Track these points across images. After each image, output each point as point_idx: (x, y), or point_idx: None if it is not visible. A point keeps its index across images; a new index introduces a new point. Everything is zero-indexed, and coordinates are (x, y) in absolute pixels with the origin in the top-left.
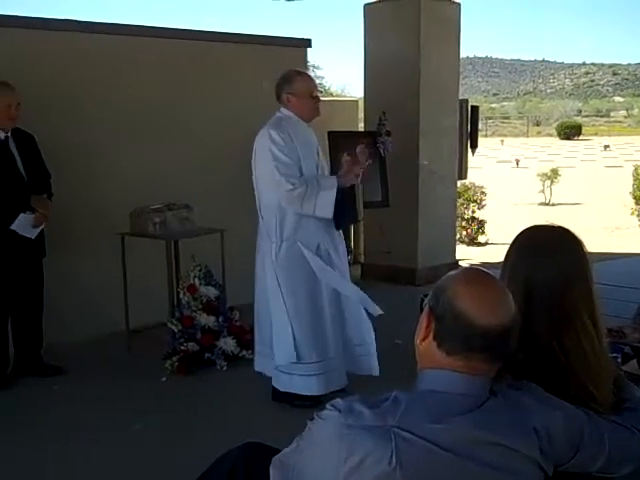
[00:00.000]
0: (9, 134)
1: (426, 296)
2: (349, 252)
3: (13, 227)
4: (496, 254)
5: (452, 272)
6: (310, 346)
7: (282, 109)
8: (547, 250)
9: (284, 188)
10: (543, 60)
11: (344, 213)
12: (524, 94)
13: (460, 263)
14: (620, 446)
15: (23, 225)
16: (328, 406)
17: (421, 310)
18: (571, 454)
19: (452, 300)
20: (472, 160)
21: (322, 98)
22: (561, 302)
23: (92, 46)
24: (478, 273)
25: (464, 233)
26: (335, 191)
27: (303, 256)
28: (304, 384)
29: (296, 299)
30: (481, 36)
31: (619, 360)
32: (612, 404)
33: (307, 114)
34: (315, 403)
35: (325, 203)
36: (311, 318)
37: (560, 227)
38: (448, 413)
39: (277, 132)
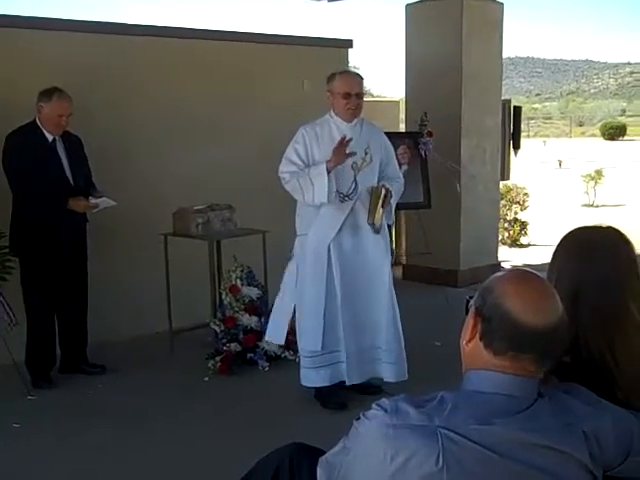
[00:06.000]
0: (57, 136)
1: (471, 297)
2: (391, 253)
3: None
4: (539, 256)
5: (498, 273)
6: (304, 339)
7: (331, 108)
8: (595, 250)
9: (282, 182)
10: (586, 60)
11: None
12: (567, 94)
13: (502, 265)
14: None
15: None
16: (374, 406)
17: (466, 312)
18: (621, 458)
19: (499, 300)
20: (515, 161)
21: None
22: (610, 301)
23: (138, 48)
24: (525, 273)
25: (506, 235)
26: (325, 176)
27: (309, 252)
28: (303, 374)
29: (301, 294)
30: (523, 36)
31: None
32: None
33: (340, 113)
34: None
35: (319, 189)
36: (312, 312)
37: (609, 227)
38: (495, 414)
39: (304, 129)
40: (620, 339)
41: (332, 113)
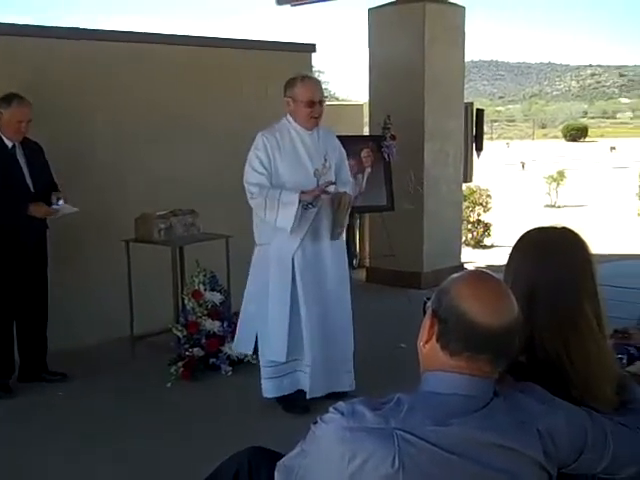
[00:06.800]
0: (17, 143)
1: (429, 299)
2: (354, 256)
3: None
4: (502, 257)
5: (454, 275)
6: (269, 349)
7: (287, 113)
8: (550, 251)
9: (247, 195)
10: (549, 62)
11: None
12: (530, 97)
13: (465, 266)
14: (624, 447)
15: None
16: (331, 409)
17: (424, 313)
18: (575, 455)
19: (455, 301)
20: (478, 163)
21: (327, 102)
22: (565, 301)
23: (100, 53)
24: (480, 274)
25: (470, 236)
26: (295, 207)
27: (273, 262)
28: (264, 385)
29: (262, 303)
30: (487, 39)
31: (624, 361)
32: (616, 405)
33: (302, 121)
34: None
35: (285, 216)
36: (277, 323)
37: (563, 227)
38: (451, 415)
39: (264, 136)
40: (575, 339)
41: (290, 118)
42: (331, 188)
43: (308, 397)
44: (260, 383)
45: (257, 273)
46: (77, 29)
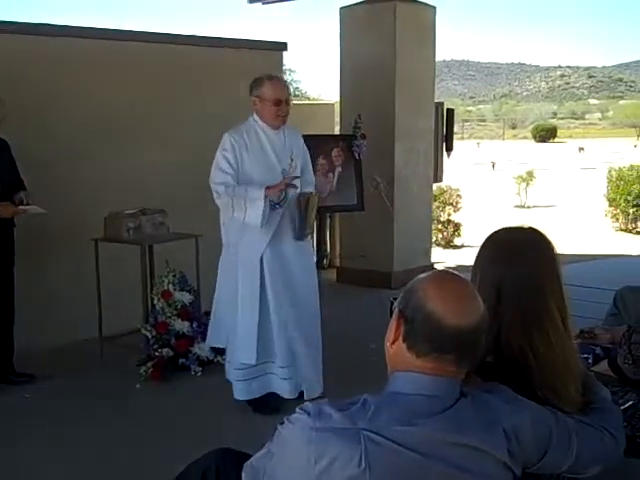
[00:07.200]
0: None
1: (396, 299)
2: (325, 256)
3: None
4: (472, 257)
5: (421, 275)
6: (239, 351)
7: (254, 113)
8: (517, 250)
9: (213, 195)
10: (519, 63)
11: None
12: (500, 97)
13: (436, 266)
14: (588, 446)
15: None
16: (298, 410)
17: (391, 314)
18: (540, 455)
19: (422, 302)
20: (448, 163)
21: (298, 102)
22: (531, 300)
23: (65, 49)
24: (447, 275)
25: (440, 236)
26: (262, 202)
27: (241, 263)
28: (235, 387)
29: (230, 304)
30: (458, 39)
31: (590, 361)
32: (580, 405)
33: (268, 120)
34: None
35: (254, 212)
36: (246, 325)
37: (529, 228)
38: (417, 415)
39: (230, 135)
40: (541, 338)
41: (256, 118)
42: (297, 182)
43: (306, 397)
44: (230, 383)
45: (226, 274)
46: (45, 25)
